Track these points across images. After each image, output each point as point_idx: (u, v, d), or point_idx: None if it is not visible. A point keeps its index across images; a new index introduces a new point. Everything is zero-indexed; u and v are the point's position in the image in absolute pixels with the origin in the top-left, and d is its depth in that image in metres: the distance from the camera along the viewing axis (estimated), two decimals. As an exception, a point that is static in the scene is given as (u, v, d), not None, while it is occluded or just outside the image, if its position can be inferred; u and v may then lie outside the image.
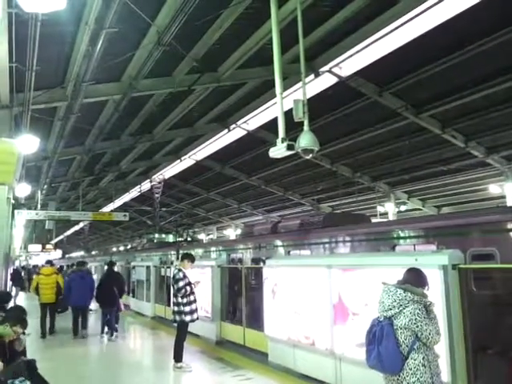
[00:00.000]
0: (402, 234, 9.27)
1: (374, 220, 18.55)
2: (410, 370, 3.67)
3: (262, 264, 9.58)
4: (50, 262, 14.54)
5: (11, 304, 14.76)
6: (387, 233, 9.72)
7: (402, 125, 15.51)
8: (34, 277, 14.20)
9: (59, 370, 7.51)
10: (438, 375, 3.79)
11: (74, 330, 11.66)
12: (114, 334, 11.44)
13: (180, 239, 26.24)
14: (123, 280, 13.14)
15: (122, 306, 12.54)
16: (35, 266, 37.97)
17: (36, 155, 14.25)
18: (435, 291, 4.78)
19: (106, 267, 13.73)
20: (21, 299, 21.20)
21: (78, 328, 11.68)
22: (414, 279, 4.02)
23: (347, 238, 10.82)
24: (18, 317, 5.23)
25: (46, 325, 12.01)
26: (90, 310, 13.50)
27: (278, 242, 13.07)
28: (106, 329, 11.67)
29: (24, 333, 5.37)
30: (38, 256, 46.96)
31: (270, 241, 13.45)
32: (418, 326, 3.72)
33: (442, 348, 4.64)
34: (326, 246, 11.29)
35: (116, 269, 13.47)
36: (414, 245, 8.82)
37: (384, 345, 3.71)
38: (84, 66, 9.32)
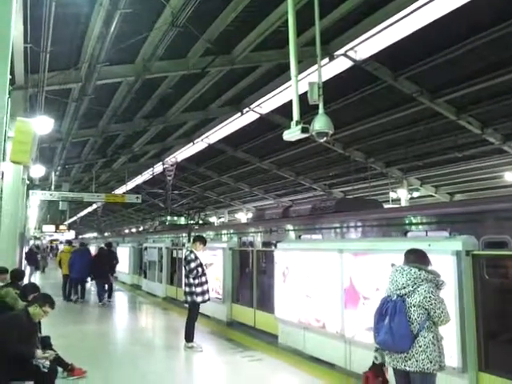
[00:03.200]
0: (414, 220, 9.19)
1: (386, 206, 18.45)
2: (420, 347, 3.72)
3: (273, 247, 9.63)
4: (69, 242, 18.00)
5: (25, 282, 15.22)
6: (399, 219, 9.67)
7: (417, 110, 15.32)
8: (58, 253, 17.71)
9: (72, 347, 7.67)
10: (443, 355, 3.86)
11: (69, 296, 14.27)
12: (104, 301, 13.72)
13: (192, 222, 26.42)
14: (114, 258, 15.30)
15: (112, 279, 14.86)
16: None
17: (50, 136, 14.37)
18: (448, 277, 4.78)
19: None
20: (36, 278, 21.57)
21: (75, 295, 14.23)
22: (421, 259, 4.05)
23: (359, 224, 10.78)
24: (46, 297, 5.39)
25: (66, 290, 14.49)
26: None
27: (289, 226, 13.08)
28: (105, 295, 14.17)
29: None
30: (52, 236, 47.84)
31: (281, 225, 13.47)
32: (431, 304, 3.77)
33: (452, 333, 4.66)
34: (338, 230, 11.26)
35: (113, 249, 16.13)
36: (427, 231, 8.75)
37: (396, 321, 3.74)
38: (98, 48, 9.32)
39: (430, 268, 4.00)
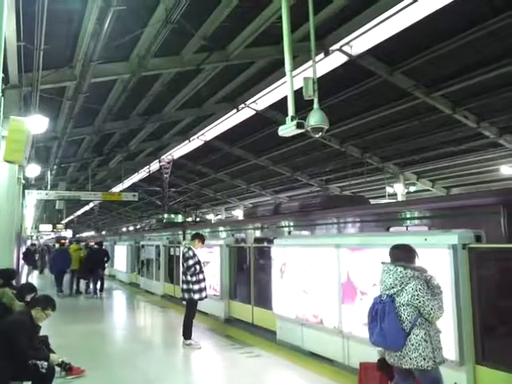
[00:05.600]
0: (396, 216, 9.43)
1: (383, 201, 18.48)
2: (412, 345, 3.75)
3: (265, 243, 9.72)
4: (77, 241, 21.27)
5: (23, 281, 15.24)
6: (382, 215, 10.01)
7: (412, 105, 15.31)
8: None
9: (70, 346, 7.66)
10: (439, 349, 3.87)
11: (58, 288, 15.76)
12: (98, 294, 15.65)
13: (190, 219, 26.48)
14: (105, 255, 16.86)
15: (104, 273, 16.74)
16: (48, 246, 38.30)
17: (45, 135, 14.30)
18: (444, 271, 4.79)
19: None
20: (33, 278, 21.52)
21: (61, 287, 15.90)
22: (407, 255, 4.07)
23: (344, 219, 11.02)
24: (48, 300, 5.39)
25: (73, 286, 16.29)
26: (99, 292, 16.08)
27: (280, 223, 13.39)
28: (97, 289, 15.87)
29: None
30: (49, 236, 47.04)
31: (272, 222, 13.77)
32: (420, 302, 3.78)
33: (450, 327, 4.66)
34: (324, 226, 11.56)
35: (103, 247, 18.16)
36: (407, 226, 9.02)
37: (387, 322, 3.78)
38: (92, 45, 9.24)
39: (415, 265, 4.00)
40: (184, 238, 19.52)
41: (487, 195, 8.51)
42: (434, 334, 3.85)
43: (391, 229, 9.15)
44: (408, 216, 9.12)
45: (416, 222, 8.88)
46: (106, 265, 17.54)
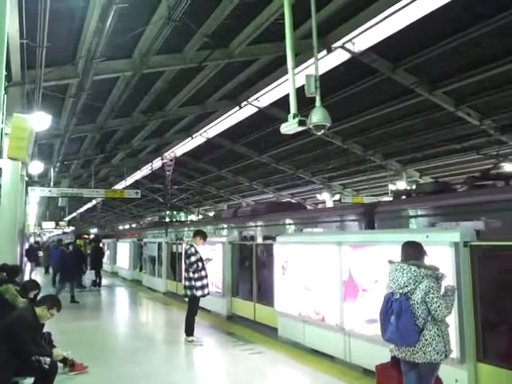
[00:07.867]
0: (306, 220, 12.46)
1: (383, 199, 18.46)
2: (426, 340, 3.86)
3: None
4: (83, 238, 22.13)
5: (26, 278, 15.30)
6: (299, 218, 12.85)
7: (415, 102, 15.29)
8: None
9: (73, 342, 7.69)
10: (449, 343, 3.99)
11: (53, 282, 16.30)
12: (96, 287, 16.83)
13: (193, 216, 26.75)
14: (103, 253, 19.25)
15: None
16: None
17: (48, 132, 14.33)
18: (446, 268, 4.78)
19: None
20: (36, 275, 21.58)
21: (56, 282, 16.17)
22: (418, 253, 4.13)
23: (283, 222, 13.35)
24: (54, 300, 5.43)
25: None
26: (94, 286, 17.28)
27: (234, 225, 15.89)
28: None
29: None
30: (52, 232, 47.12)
31: (230, 223, 16.38)
32: (429, 298, 3.87)
33: (451, 324, 4.66)
34: (266, 227, 14.18)
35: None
36: (313, 228, 12.00)
37: (403, 320, 3.87)
38: (94, 43, 9.26)
39: (428, 263, 4.08)
40: (166, 235, 22.35)
41: (356, 207, 12.14)
42: (445, 328, 3.97)
43: (304, 230, 12.06)
44: (314, 220, 12.39)
45: (316, 225, 12.04)
46: (105, 259, 19.64)
